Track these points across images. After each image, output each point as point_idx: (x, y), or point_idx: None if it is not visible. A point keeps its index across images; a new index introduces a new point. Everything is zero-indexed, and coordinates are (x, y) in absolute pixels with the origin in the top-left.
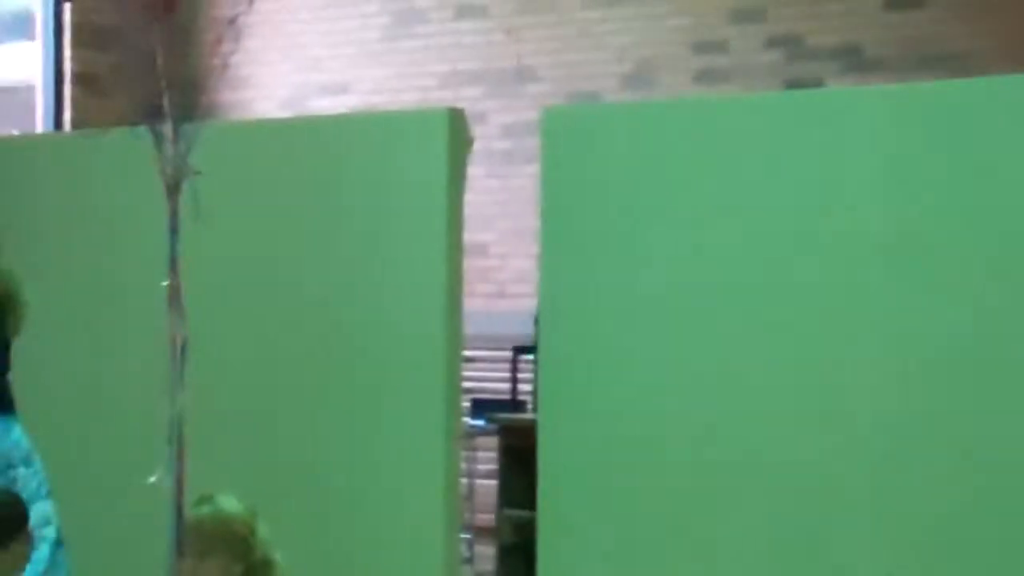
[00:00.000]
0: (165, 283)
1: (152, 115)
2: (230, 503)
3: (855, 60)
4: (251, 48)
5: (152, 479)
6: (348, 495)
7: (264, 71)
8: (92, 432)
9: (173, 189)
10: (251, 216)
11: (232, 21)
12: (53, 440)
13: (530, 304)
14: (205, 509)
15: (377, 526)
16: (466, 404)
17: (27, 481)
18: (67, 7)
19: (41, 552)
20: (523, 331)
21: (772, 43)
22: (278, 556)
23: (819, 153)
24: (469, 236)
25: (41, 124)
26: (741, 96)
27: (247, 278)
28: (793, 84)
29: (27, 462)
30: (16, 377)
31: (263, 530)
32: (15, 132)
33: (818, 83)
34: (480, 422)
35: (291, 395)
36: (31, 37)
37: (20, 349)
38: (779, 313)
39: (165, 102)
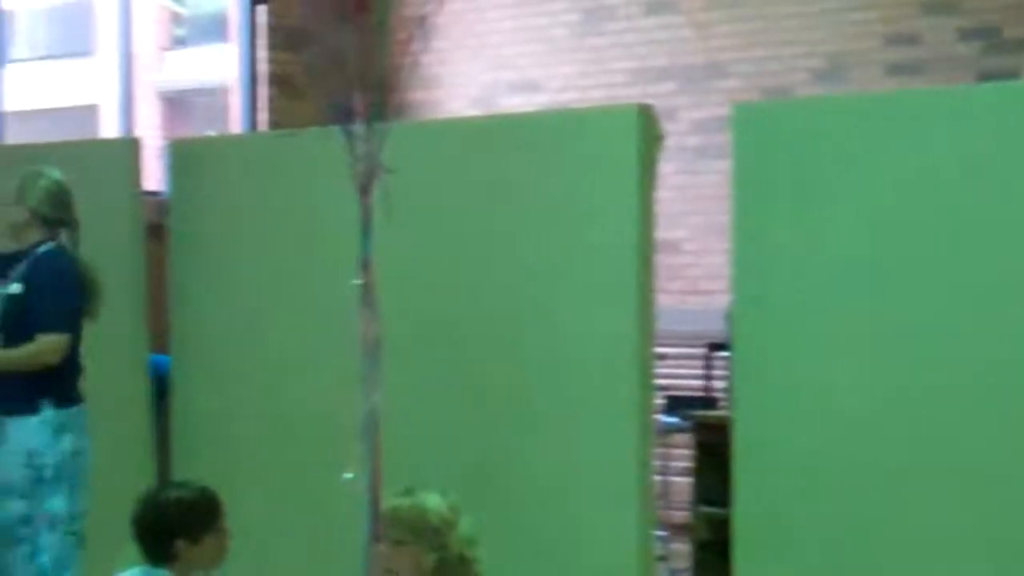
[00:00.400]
0: (358, 281)
1: (344, 115)
2: (431, 497)
3: None
4: (441, 47)
5: (347, 475)
6: (543, 494)
7: (454, 70)
8: (289, 428)
9: (365, 188)
10: (442, 215)
11: (422, 21)
12: (249, 434)
13: (722, 300)
14: (403, 500)
15: (572, 524)
16: (660, 401)
17: None
18: (261, 9)
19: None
20: (715, 327)
21: (966, 35)
22: (480, 554)
23: (1014, 146)
24: (661, 233)
25: (237, 125)
26: (933, 89)
27: (439, 277)
28: (988, 76)
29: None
30: (211, 373)
31: (465, 527)
32: (212, 132)
33: (1014, 75)
34: (674, 419)
35: (484, 395)
36: (226, 39)
37: (215, 345)
38: (976, 310)
39: (357, 102)
